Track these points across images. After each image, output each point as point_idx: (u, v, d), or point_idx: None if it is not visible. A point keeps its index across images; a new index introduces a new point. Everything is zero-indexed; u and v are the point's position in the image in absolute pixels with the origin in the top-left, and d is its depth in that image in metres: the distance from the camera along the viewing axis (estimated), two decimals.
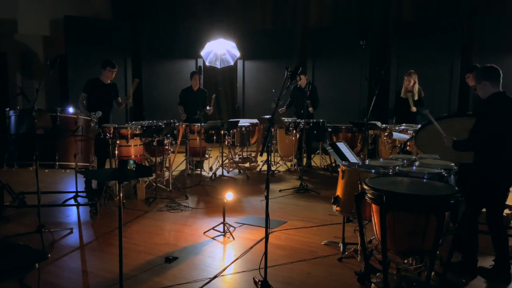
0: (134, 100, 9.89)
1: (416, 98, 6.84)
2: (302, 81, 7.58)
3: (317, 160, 8.19)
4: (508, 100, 3.47)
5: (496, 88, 3.49)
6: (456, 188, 3.02)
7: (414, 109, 6.79)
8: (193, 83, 7.57)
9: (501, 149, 3.47)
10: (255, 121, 7.69)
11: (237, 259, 3.94)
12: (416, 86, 6.86)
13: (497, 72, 3.50)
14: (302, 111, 6.91)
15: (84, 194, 5.70)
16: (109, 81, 6.21)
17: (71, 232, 4.60)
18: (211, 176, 7.15)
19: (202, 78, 7.43)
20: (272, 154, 7.86)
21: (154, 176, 5.97)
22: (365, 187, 3.07)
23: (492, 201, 3.60)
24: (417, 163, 3.79)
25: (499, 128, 3.41)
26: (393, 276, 3.16)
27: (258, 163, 8.03)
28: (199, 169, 7.28)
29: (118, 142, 5.75)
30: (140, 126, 5.93)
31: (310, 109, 7.46)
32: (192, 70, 8.66)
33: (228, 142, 7.12)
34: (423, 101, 6.87)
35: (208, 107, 7.46)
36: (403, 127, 6.19)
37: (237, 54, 8.29)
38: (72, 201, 5.46)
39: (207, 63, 8.28)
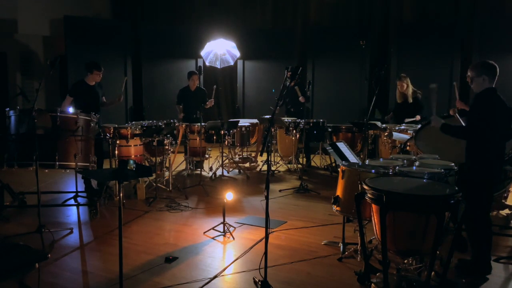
0: (134, 100, 9.88)
1: (410, 101, 6.62)
2: None
3: (317, 160, 8.19)
4: (498, 97, 3.60)
5: (491, 84, 3.62)
6: (456, 188, 3.02)
7: (418, 117, 6.56)
8: (191, 84, 7.51)
9: (490, 143, 3.52)
10: (255, 121, 7.69)
11: (237, 259, 3.94)
12: (410, 90, 6.63)
13: (496, 70, 3.64)
14: (301, 107, 6.89)
15: (84, 194, 5.70)
16: (94, 83, 6.03)
17: (71, 232, 4.60)
18: (211, 176, 7.15)
19: (202, 78, 7.39)
20: (272, 154, 7.86)
21: (154, 176, 5.97)
22: (365, 187, 3.07)
23: (476, 200, 3.57)
24: (417, 163, 3.79)
25: (489, 120, 3.48)
26: (393, 276, 3.16)
27: (258, 163, 8.03)
28: (199, 169, 7.28)
29: (118, 142, 5.75)
30: (140, 126, 5.92)
31: (301, 98, 7.40)
32: (191, 70, 8.61)
33: (228, 142, 7.10)
34: (422, 104, 6.61)
35: (208, 101, 7.30)
36: (403, 127, 6.18)
37: (237, 54, 8.28)
38: (72, 201, 5.47)
39: (207, 63, 8.27)
